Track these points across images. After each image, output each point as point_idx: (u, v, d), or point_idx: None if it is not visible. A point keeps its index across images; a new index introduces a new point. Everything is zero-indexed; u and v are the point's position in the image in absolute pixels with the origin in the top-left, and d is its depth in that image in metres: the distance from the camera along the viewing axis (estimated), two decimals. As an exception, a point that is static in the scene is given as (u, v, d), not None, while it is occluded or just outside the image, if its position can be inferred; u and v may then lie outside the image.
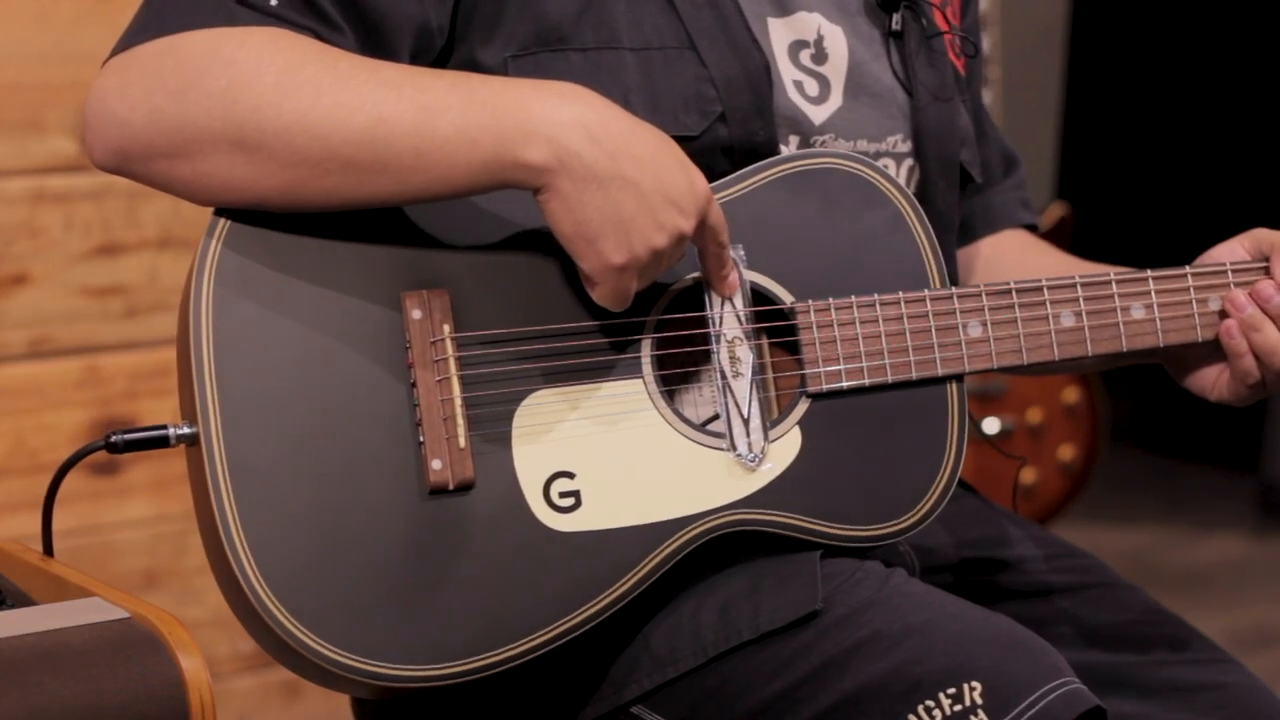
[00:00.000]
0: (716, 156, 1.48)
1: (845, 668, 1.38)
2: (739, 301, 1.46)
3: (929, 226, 1.51)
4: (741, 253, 1.47)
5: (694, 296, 1.46)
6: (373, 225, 1.40)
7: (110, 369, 2.53)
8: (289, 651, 1.35)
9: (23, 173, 2.45)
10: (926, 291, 1.49)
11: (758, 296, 1.47)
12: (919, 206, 1.51)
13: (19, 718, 1.21)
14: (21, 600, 1.44)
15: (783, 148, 1.52)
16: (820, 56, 1.56)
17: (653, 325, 1.45)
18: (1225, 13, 4.64)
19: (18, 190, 2.45)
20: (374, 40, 1.41)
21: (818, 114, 1.54)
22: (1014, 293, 1.51)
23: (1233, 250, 1.58)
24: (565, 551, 1.40)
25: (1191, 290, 1.55)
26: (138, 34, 1.38)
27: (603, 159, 1.33)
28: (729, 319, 1.46)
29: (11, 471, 2.45)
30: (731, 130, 1.49)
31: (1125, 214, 4.76)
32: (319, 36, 1.39)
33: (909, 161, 1.59)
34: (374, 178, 1.35)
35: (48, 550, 1.51)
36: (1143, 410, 4.97)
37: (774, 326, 1.48)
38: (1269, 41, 4.58)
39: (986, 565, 1.69)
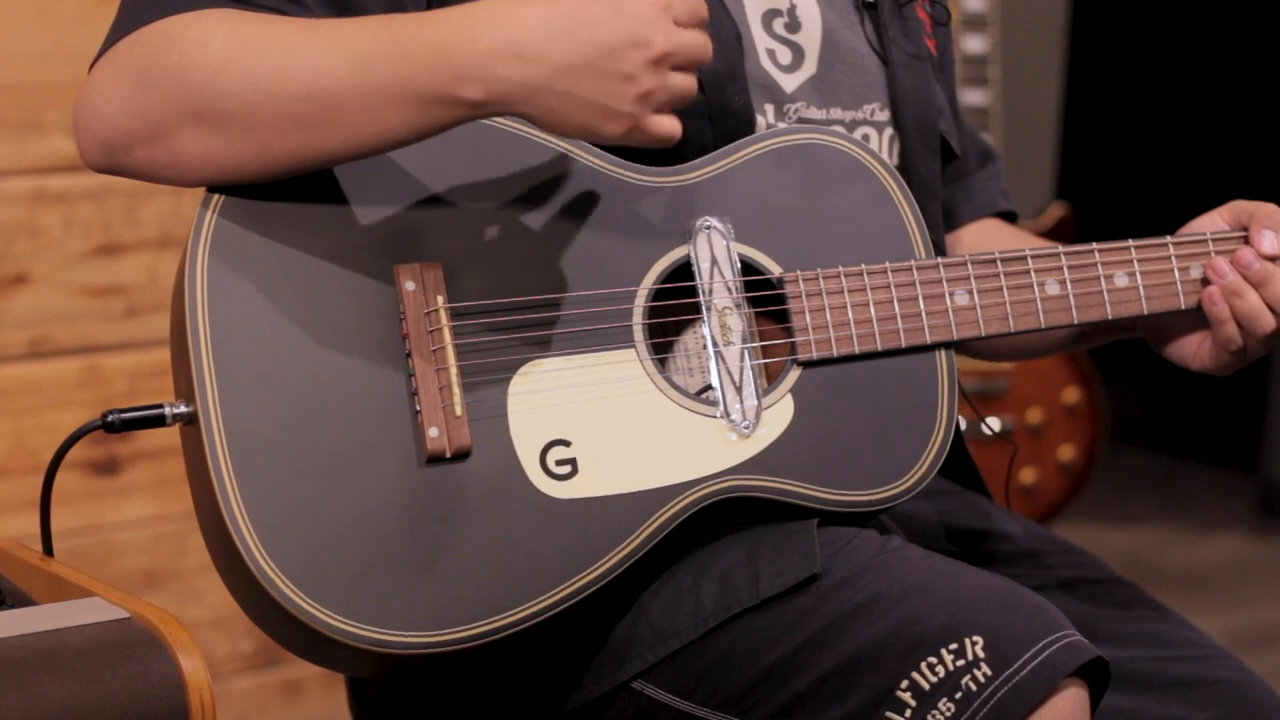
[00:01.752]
0: (697, 120, 1.50)
1: (846, 630, 1.39)
2: (729, 271, 1.47)
3: (913, 199, 1.53)
4: (729, 226, 1.48)
5: (686, 270, 1.48)
6: (366, 198, 1.41)
7: (110, 369, 2.53)
8: (293, 623, 1.35)
9: (23, 173, 2.45)
10: (912, 261, 1.51)
11: (746, 269, 1.49)
12: (902, 180, 1.54)
13: (19, 718, 1.21)
14: (21, 600, 1.44)
15: (759, 116, 1.54)
16: (793, 25, 1.58)
17: (645, 294, 1.46)
18: (1225, 13, 4.64)
19: (18, 190, 2.45)
20: (344, 14, 1.43)
21: (789, 82, 1.57)
22: (999, 262, 1.54)
23: (1212, 221, 1.61)
24: (562, 518, 1.40)
25: (1173, 259, 1.57)
26: (111, 36, 1.44)
27: (534, 69, 1.32)
28: (719, 289, 1.48)
29: (11, 471, 2.45)
30: (708, 96, 1.51)
31: (1125, 214, 4.75)
32: (286, 15, 1.41)
33: (889, 130, 1.61)
34: (329, 133, 1.36)
35: (47, 543, 1.51)
36: (1143, 410, 4.97)
37: (763, 296, 1.50)
38: (1269, 41, 4.58)
39: (983, 561, 1.69)
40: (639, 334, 1.45)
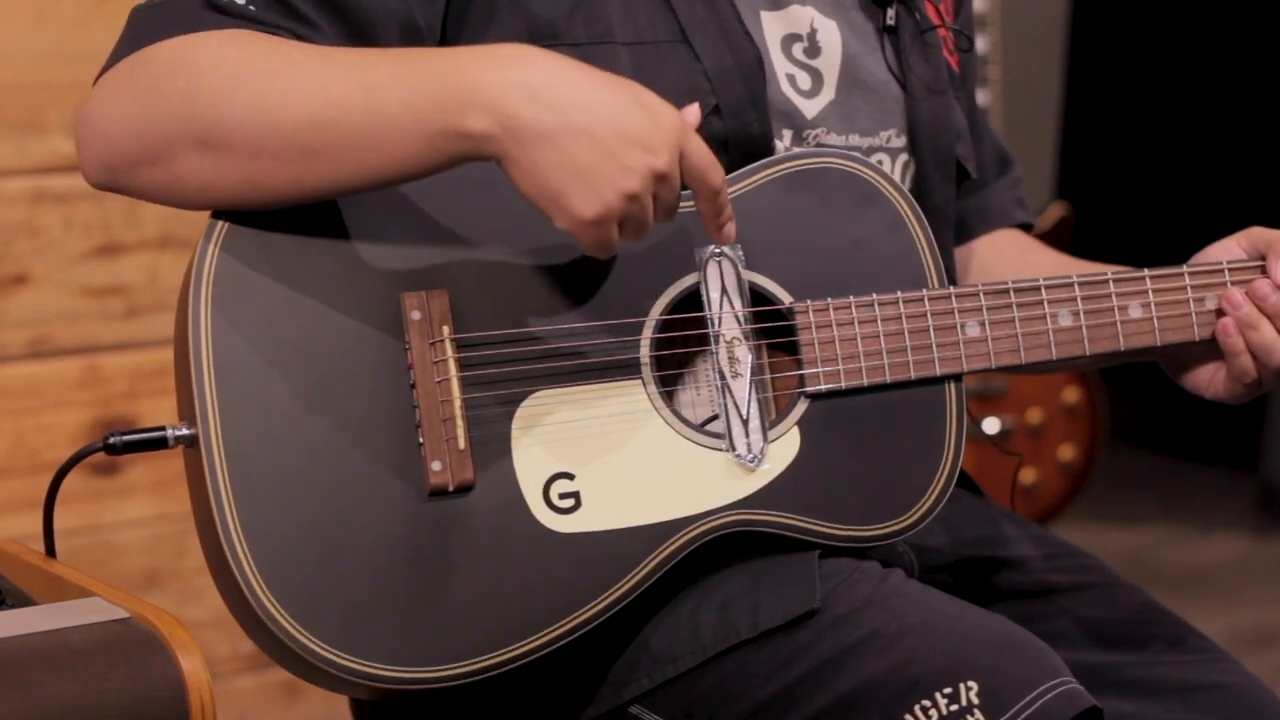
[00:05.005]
0: (713, 149, 1.48)
1: (842, 667, 1.38)
2: (738, 302, 1.45)
3: (927, 226, 1.51)
4: (740, 253, 1.46)
5: (694, 298, 1.46)
6: (371, 226, 1.40)
7: (110, 369, 2.52)
8: (289, 654, 1.35)
9: (23, 173, 2.44)
10: (924, 291, 1.49)
11: (756, 297, 1.47)
12: (917, 206, 1.51)
13: (19, 718, 1.21)
14: (21, 600, 1.44)
15: (777, 142, 1.52)
16: (813, 50, 1.56)
17: (652, 325, 1.44)
18: (1225, 13, 4.64)
19: (18, 190, 2.45)
20: (357, 38, 1.42)
21: (810, 107, 1.55)
22: (1011, 292, 1.51)
23: (1229, 249, 1.58)
24: (565, 552, 1.39)
25: (1189, 289, 1.55)
26: (117, 53, 1.41)
27: (546, 115, 1.30)
28: (728, 319, 1.46)
29: (11, 471, 2.45)
30: (726, 123, 1.49)
31: (1125, 214, 4.75)
32: (298, 37, 1.39)
33: (904, 156, 1.59)
34: (332, 162, 1.34)
35: (50, 552, 1.51)
36: (1143, 410, 4.97)
37: (773, 327, 1.48)
38: (1269, 41, 4.58)
39: (985, 565, 1.69)
40: (646, 367, 1.43)
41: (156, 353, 2.54)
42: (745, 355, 1.46)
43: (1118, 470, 4.28)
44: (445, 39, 1.47)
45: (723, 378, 1.45)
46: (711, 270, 1.46)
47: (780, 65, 1.54)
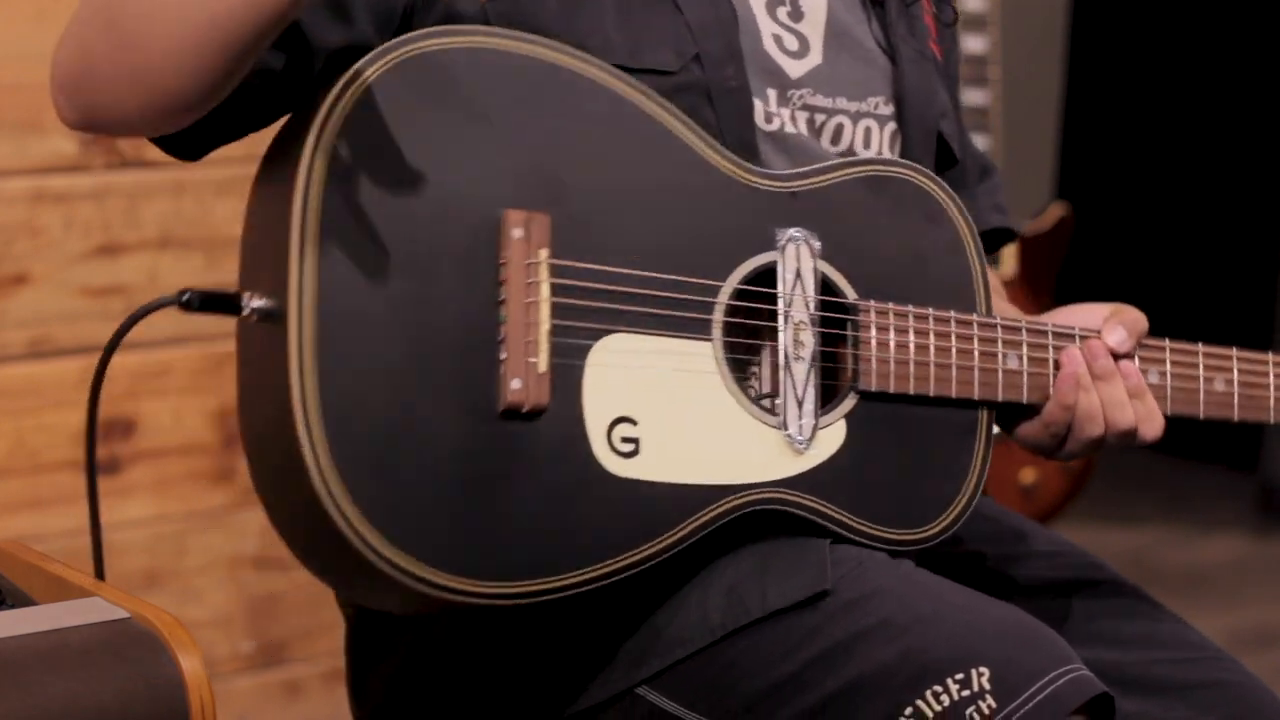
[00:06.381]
0: (697, 97, 1.50)
1: (853, 652, 1.39)
2: (810, 288, 1.48)
3: (983, 255, 1.56)
4: (817, 242, 1.49)
5: (768, 275, 1.48)
6: (489, 132, 1.40)
7: (110, 369, 2.52)
8: (344, 547, 1.32)
9: (23, 173, 2.45)
10: (975, 316, 1.54)
11: (824, 287, 1.50)
12: (977, 233, 1.56)
13: (19, 718, 1.21)
14: (21, 600, 1.44)
15: (756, 101, 1.53)
16: (796, 14, 1.58)
17: (728, 292, 1.46)
18: (1225, 13, 4.64)
19: (18, 190, 2.45)
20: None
21: (796, 68, 1.57)
22: (1050, 334, 1.57)
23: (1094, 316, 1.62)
24: (616, 496, 1.40)
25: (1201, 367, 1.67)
26: None
27: None
28: (798, 303, 1.48)
29: (11, 471, 2.45)
30: (707, 72, 1.50)
31: (1125, 214, 4.76)
32: None
33: (891, 125, 1.61)
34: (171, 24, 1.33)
35: (91, 461, 1.47)
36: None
37: (835, 318, 1.50)
38: (1269, 41, 4.58)
39: (986, 562, 1.69)
40: (717, 331, 1.46)
41: (156, 353, 2.54)
42: (809, 340, 1.48)
43: (1118, 470, 4.28)
44: None
45: (786, 358, 1.47)
46: (790, 252, 1.49)
47: (765, 25, 1.56)
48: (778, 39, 1.56)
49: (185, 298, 1.36)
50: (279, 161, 1.39)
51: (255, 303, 1.35)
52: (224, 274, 2.55)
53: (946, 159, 1.70)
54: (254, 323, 1.36)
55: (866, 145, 1.59)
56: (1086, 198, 4.03)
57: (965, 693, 1.35)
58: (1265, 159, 4.55)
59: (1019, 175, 4.04)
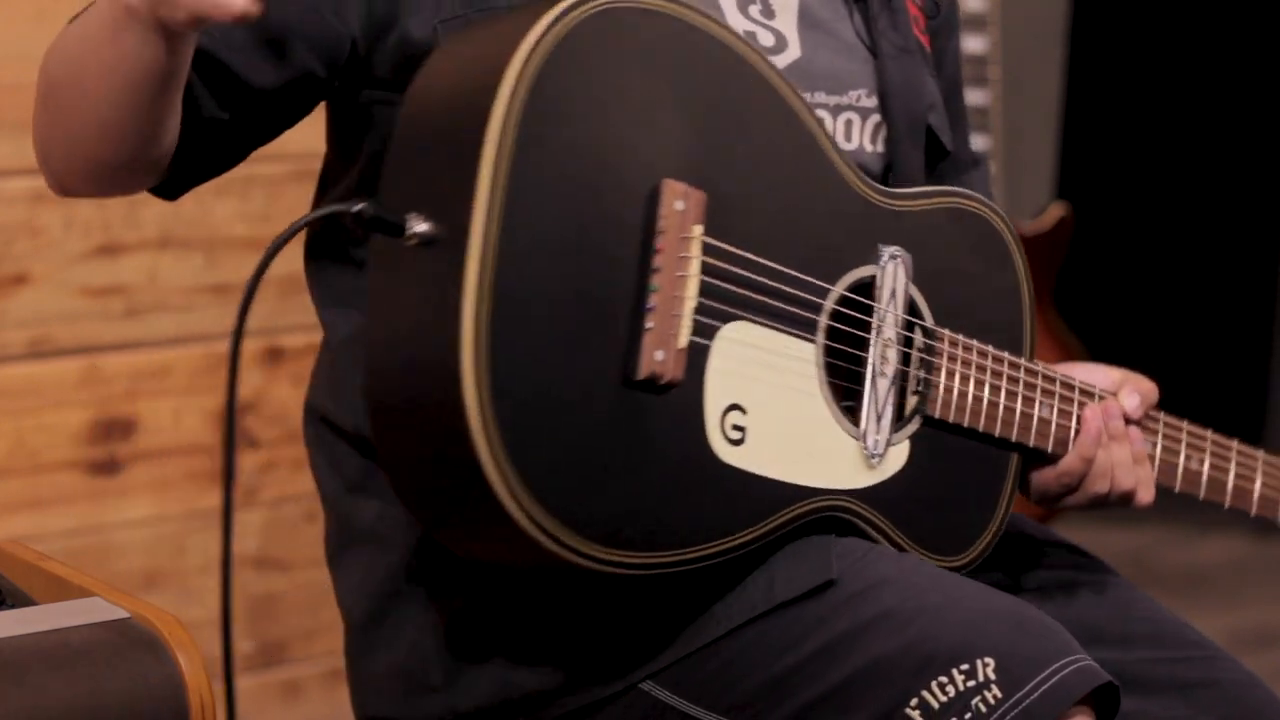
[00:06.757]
0: None
1: (858, 643, 1.39)
2: (901, 306, 1.51)
3: (1034, 304, 1.60)
4: (911, 264, 1.52)
5: (866, 287, 1.51)
6: (662, 98, 1.40)
7: (110, 369, 2.52)
8: (476, 480, 1.31)
9: (23, 173, 2.44)
10: (1024, 362, 1.59)
11: (910, 308, 1.53)
12: (1032, 285, 1.61)
13: (19, 718, 1.21)
14: (21, 600, 1.45)
15: None
16: (768, 11, 1.58)
17: (834, 297, 1.48)
18: (1225, 13, 4.64)
19: (18, 190, 2.44)
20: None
21: (774, 63, 1.56)
22: (1077, 390, 1.62)
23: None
24: (719, 481, 1.41)
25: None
26: None
27: None
28: (889, 319, 1.51)
29: (11, 471, 2.45)
30: None
31: (1125, 214, 4.75)
32: None
33: (875, 118, 1.61)
34: (87, 80, 1.42)
35: (236, 348, 1.41)
36: (1143, 410, 4.95)
37: (915, 340, 1.53)
38: (1269, 41, 4.57)
39: (985, 562, 1.69)
40: (821, 332, 1.47)
41: (157, 353, 2.54)
42: (894, 357, 1.51)
43: (1118, 470, 4.27)
44: (391, 18, 1.47)
45: (874, 371, 1.50)
46: (889, 269, 1.51)
47: (737, 22, 1.56)
48: (752, 36, 1.56)
49: (359, 208, 1.32)
50: (465, 85, 1.36)
51: (419, 226, 1.32)
52: (224, 274, 2.55)
53: (937, 151, 1.70)
54: (410, 248, 1.33)
55: (848, 139, 1.59)
56: (1086, 198, 4.02)
57: (971, 683, 1.36)
58: (1265, 159, 4.55)
59: (1019, 175, 4.04)
